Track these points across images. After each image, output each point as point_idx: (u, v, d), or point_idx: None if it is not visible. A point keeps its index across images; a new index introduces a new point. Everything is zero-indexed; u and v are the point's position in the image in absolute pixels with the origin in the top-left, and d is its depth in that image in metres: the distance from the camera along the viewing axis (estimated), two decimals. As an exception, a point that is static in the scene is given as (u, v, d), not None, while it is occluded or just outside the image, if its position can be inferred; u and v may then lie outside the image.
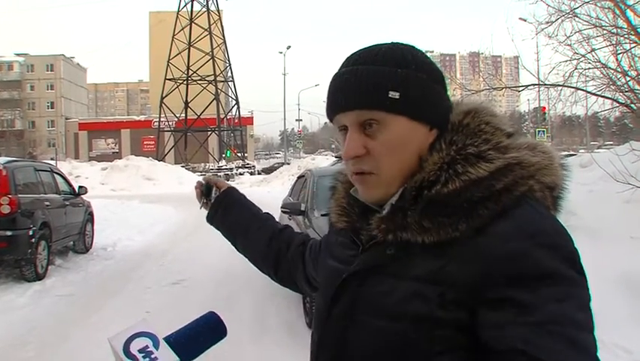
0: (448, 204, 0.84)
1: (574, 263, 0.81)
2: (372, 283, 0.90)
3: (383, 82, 0.88)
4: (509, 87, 8.97)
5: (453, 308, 0.81)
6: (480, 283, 0.79)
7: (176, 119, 48.67)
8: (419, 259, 0.85)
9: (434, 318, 0.82)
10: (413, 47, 0.94)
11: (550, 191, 0.89)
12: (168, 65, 46.14)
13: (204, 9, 48.77)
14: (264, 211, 1.48)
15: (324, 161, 30.28)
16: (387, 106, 0.87)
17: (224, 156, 46.53)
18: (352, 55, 0.95)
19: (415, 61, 0.91)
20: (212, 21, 48.05)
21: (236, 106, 50.88)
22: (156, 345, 0.89)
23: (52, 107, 67.83)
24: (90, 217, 9.83)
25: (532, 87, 8.13)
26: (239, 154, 47.89)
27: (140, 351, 0.87)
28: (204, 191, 1.48)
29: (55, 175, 8.93)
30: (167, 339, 0.92)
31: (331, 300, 0.95)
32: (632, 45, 6.69)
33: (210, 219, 1.48)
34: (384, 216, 0.91)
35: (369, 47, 0.95)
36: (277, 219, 1.49)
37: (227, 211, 1.44)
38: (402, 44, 0.94)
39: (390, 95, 0.87)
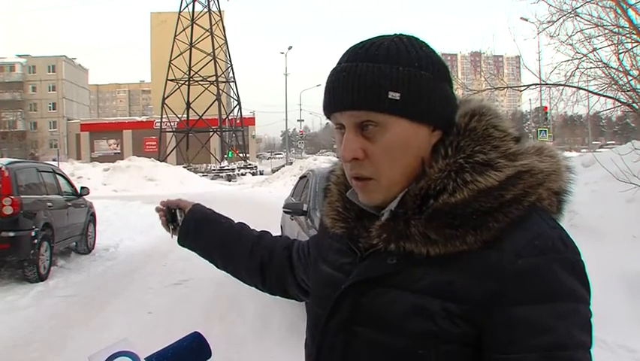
0: (455, 216, 0.80)
1: (583, 279, 0.80)
2: (373, 294, 0.86)
3: (382, 82, 0.82)
4: (511, 87, 8.97)
5: (460, 324, 0.79)
6: (490, 300, 0.77)
7: (177, 120, 48.75)
8: (423, 270, 0.82)
9: (440, 333, 0.79)
10: (417, 40, 0.89)
11: (556, 196, 0.86)
12: (170, 65, 46.19)
13: (206, 10, 48.83)
14: (237, 221, 1.37)
15: (326, 161, 30.25)
16: (387, 107, 0.82)
17: (226, 156, 46.56)
18: (352, 48, 0.88)
19: (418, 57, 0.85)
20: (213, 21, 48.09)
21: (237, 106, 50.96)
22: None
23: (54, 108, 67.90)
24: (92, 218, 9.83)
25: (533, 87, 8.10)
26: (241, 155, 47.93)
27: None
28: (169, 217, 1.36)
29: (58, 176, 8.94)
30: (149, 359, 0.91)
31: (330, 310, 0.90)
32: (634, 44, 6.68)
33: (182, 243, 1.36)
34: (385, 223, 0.86)
35: (372, 39, 0.88)
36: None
37: (198, 231, 1.33)
38: (406, 37, 0.88)
39: (390, 96, 0.81)
